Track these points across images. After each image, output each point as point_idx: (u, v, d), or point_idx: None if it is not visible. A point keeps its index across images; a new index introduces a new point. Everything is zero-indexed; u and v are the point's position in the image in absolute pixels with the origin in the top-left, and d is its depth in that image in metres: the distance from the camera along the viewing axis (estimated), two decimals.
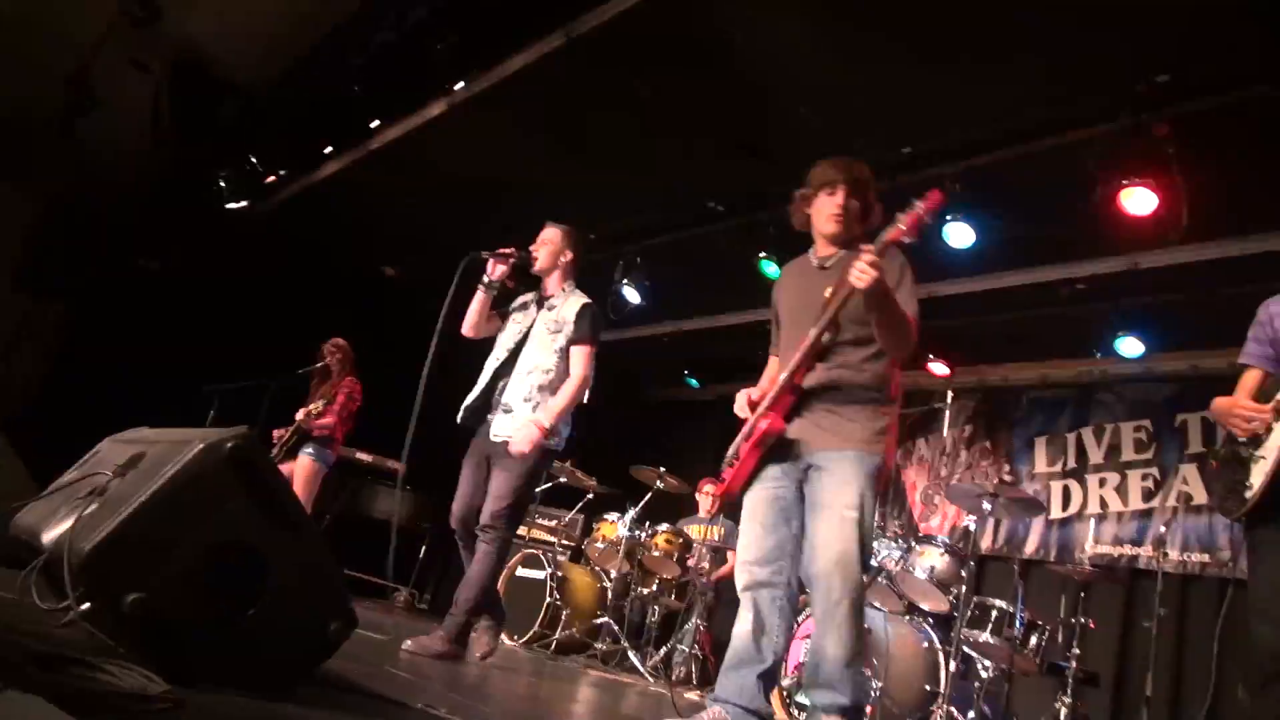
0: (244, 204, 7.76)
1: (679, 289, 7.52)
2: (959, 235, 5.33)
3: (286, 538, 1.83)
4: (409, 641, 3.83)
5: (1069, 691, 4.54)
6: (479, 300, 4.24)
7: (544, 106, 5.86)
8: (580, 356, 4.13)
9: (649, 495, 6.97)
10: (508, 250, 4.21)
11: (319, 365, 6.45)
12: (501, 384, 4.19)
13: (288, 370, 6.45)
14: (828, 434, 2.91)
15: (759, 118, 5.49)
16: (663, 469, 6.95)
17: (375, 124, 6.51)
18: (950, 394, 5.77)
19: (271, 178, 7.59)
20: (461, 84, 5.79)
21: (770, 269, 6.32)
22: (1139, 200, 4.60)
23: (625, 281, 7.29)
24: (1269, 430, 2.53)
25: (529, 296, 4.42)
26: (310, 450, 6.10)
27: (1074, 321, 6.31)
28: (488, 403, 4.19)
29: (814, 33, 4.75)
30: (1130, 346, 6.15)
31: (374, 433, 8.11)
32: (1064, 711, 4.51)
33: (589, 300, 4.30)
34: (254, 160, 7.41)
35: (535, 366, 4.13)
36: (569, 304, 4.25)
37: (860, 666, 2.80)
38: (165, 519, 1.71)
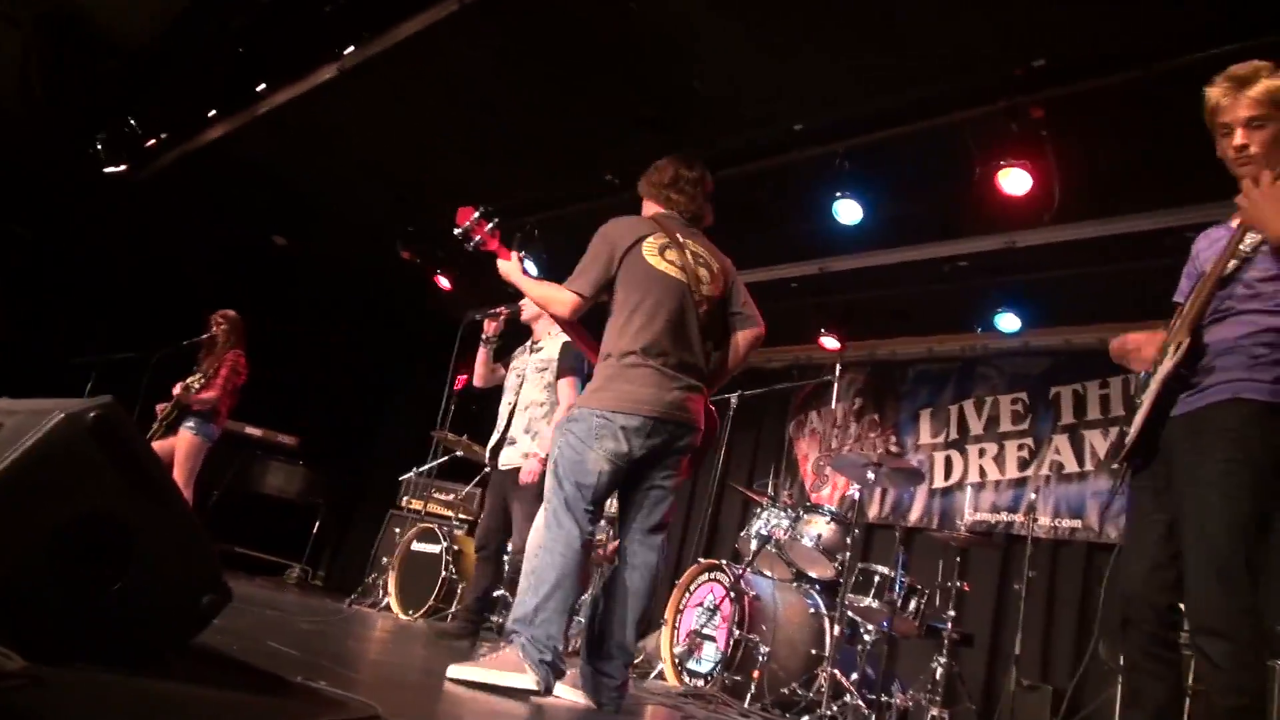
0: (123, 168, 7.43)
1: (576, 262, 7.51)
2: (847, 212, 5.46)
3: (154, 510, 1.78)
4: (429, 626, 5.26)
5: (945, 652, 4.74)
6: (481, 355, 5.08)
7: (437, 74, 5.77)
8: (565, 387, 4.74)
9: None
10: (498, 310, 5.03)
11: (205, 337, 6.25)
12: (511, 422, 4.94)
13: (172, 342, 6.24)
14: None
15: (655, 90, 5.50)
16: None
17: (262, 87, 6.29)
18: (839, 367, 5.92)
19: (152, 141, 7.28)
20: (352, 48, 5.64)
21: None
22: (1015, 180, 4.79)
23: (523, 254, 7.22)
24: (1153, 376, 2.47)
25: (523, 346, 5.20)
26: (191, 424, 5.92)
27: (957, 297, 6.54)
28: (504, 439, 4.93)
29: (709, 7, 4.79)
30: (1008, 322, 6.42)
31: (265, 406, 7.94)
32: (940, 671, 4.71)
33: (569, 340, 4.81)
34: (133, 123, 7.08)
35: (532, 402, 4.87)
36: (553, 344, 4.92)
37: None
38: (23, 492, 1.65)
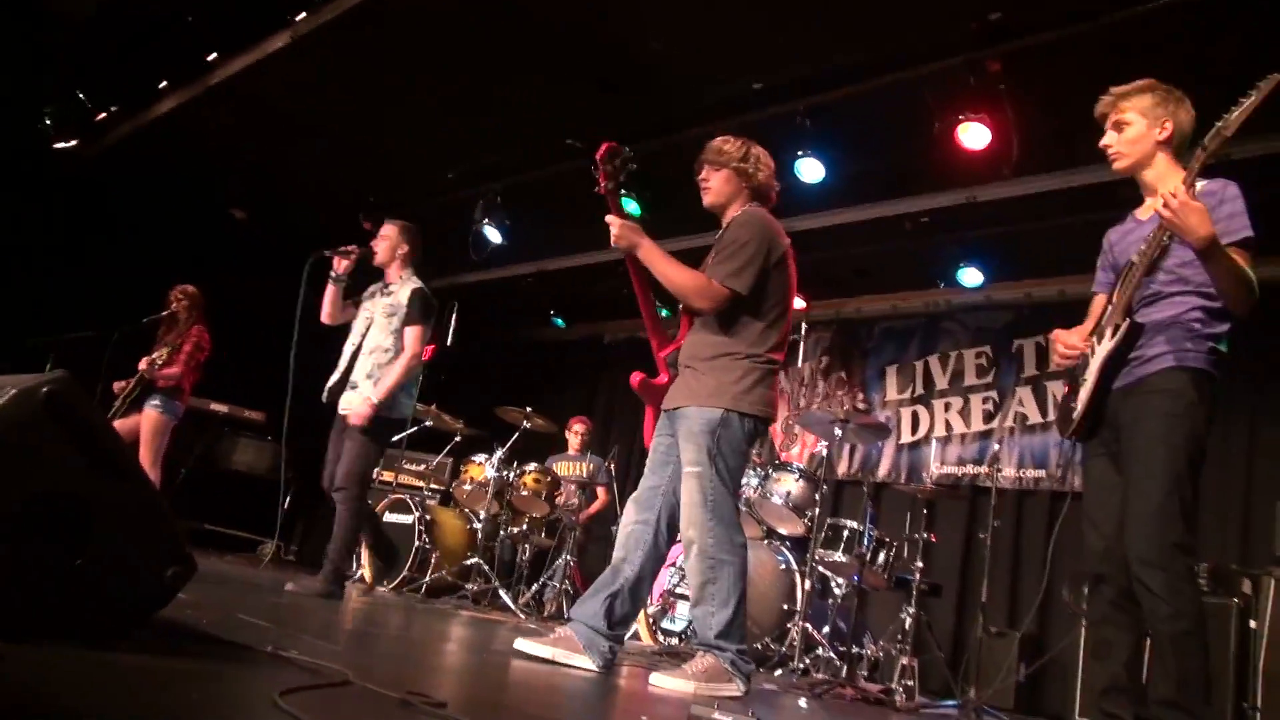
0: (73, 143, 7.27)
1: (542, 228, 7.47)
2: (810, 170, 5.46)
3: (113, 484, 1.77)
4: (290, 584, 4.55)
5: (913, 602, 4.83)
6: (329, 292, 4.85)
7: (393, 39, 5.67)
8: (411, 337, 4.72)
9: (516, 435, 7.00)
10: (348, 248, 4.83)
11: (166, 313, 6.17)
12: (354, 364, 4.78)
13: (132, 320, 6.15)
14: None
15: (614, 53, 5.45)
16: (529, 409, 6.97)
17: (213, 57, 6.17)
18: (804, 326, 5.95)
19: (102, 115, 7.13)
20: (304, 15, 5.54)
21: (631, 206, 6.34)
22: (974, 135, 4.81)
23: (486, 221, 7.20)
24: (1093, 352, 2.71)
25: (376, 286, 4.98)
26: (156, 402, 5.86)
27: (920, 253, 6.59)
28: (345, 381, 4.76)
29: None
30: (971, 277, 6.48)
31: (230, 381, 7.86)
32: (909, 621, 4.80)
33: (421, 285, 4.86)
34: (81, 96, 6.93)
35: (376, 346, 4.73)
36: (403, 290, 4.82)
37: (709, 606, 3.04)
38: None
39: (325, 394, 4.80)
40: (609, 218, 3.23)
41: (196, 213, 8.33)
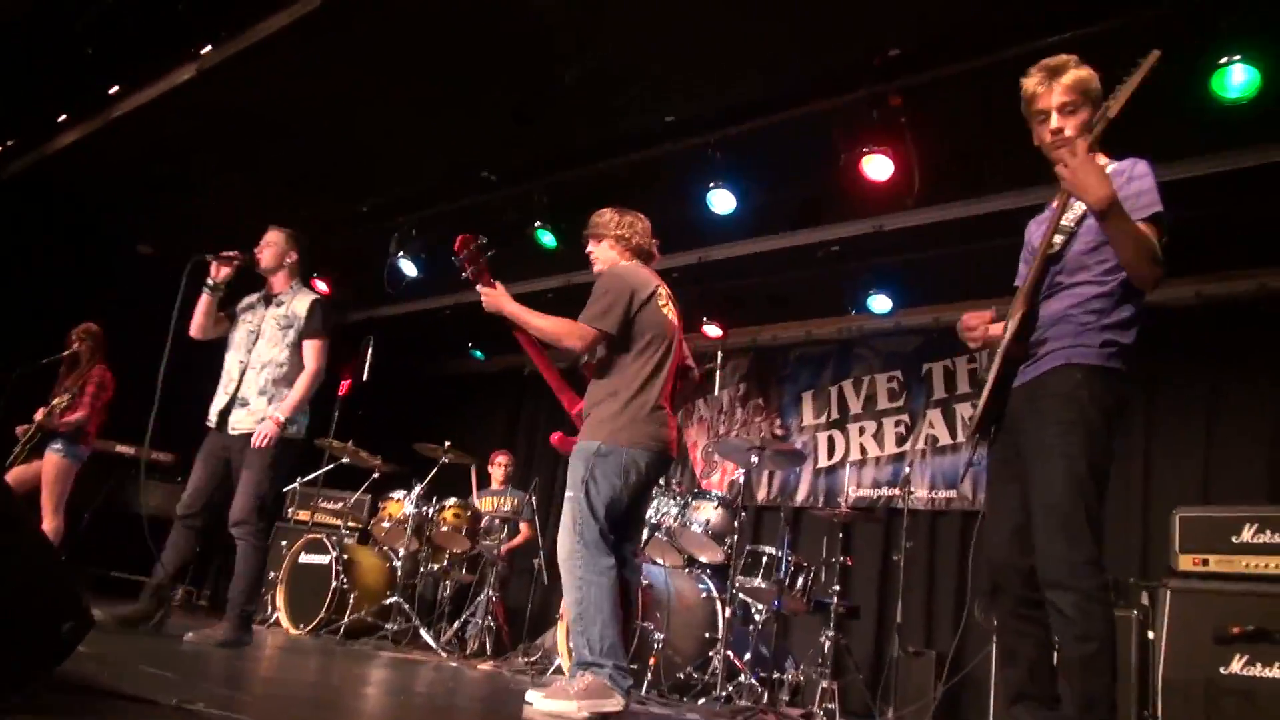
0: None
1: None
2: (721, 201, 5.55)
3: (3, 538, 1.71)
4: (190, 634, 4.10)
5: (832, 625, 4.90)
6: (204, 302, 4.43)
7: (302, 72, 5.60)
8: (313, 350, 4.40)
9: (435, 470, 6.93)
10: (231, 253, 4.42)
11: (66, 353, 5.96)
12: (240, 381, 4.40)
13: (30, 361, 5.92)
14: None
15: (527, 86, 5.49)
16: (447, 443, 6.91)
17: (115, 90, 6.02)
18: (720, 354, 6.04)
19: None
20: (210, 47, 5.45)
21: (546, 239, 6.37)
22: (878, 166, 4.95)
23: (401, 254, 7.15)
24: (992, 356, 2.64)
25: (254, 297, 4.61)
26: (59, 446, 5.65)
27: (831, 281, 6.72)
28: (234, 400, 4.37)
29: (575, 3, 4.79)
30: (880, 303, 6.64)
31: (137, 423, 7.61)
32: (828, 644, 4.87)
33: (318, 296, 4.56)
34: None
35: (269, 361, 4.38)
36: (298, 300, 4.48)
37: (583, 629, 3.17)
38: None
39: (215, 417, 4.38)
40: (479, 287, 3.53)
41: (101, 249, 8.09)
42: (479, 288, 3.52)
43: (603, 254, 3.66)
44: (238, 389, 4.36)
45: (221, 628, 4.13)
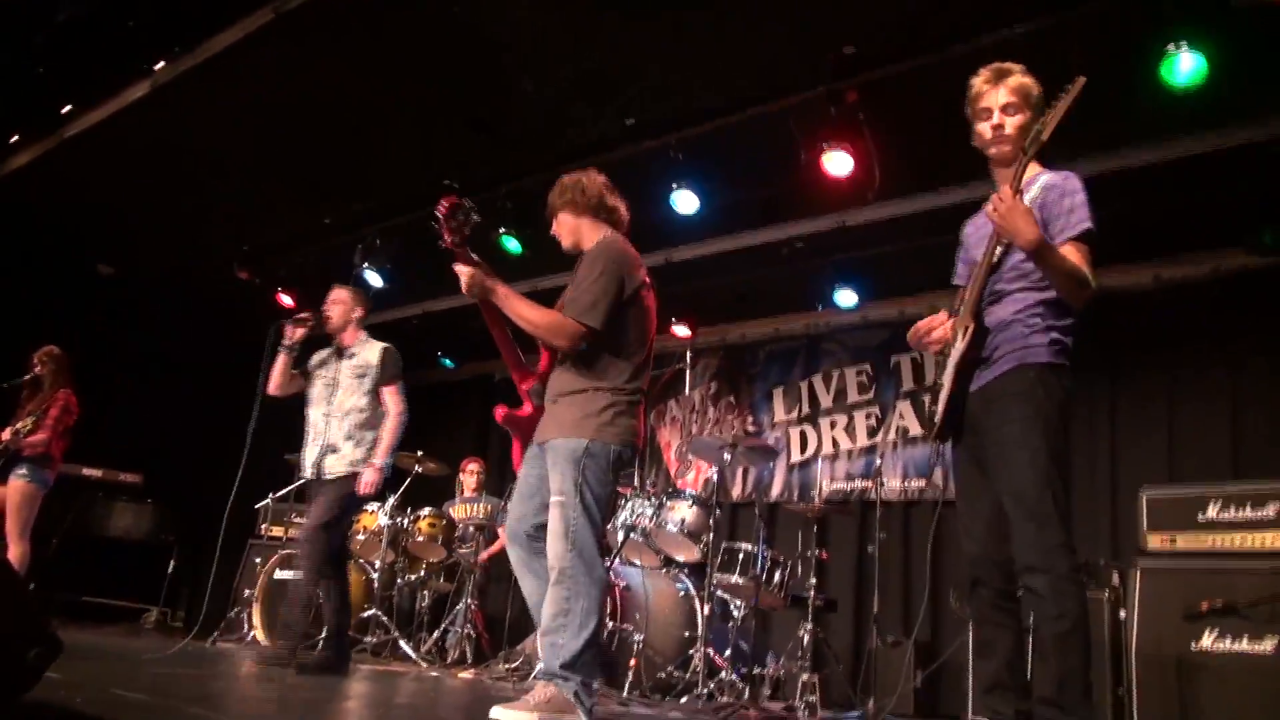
0: None
1: (424, 269, 7.40)
2: (685, 202, 5.57)
3: None
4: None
5: (810, 619, 4.93)
6: (280, 362, 4.79)
7: (259, 85, 5.57)
8: (391, 395, 4.84)
9: (408, 481, 6.89)
10: (305, 315, 4.83)
11: (28, 377, 5.89)
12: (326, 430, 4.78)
13: None
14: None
15: (487, 92, 5.48)
16: (420, 453, 6.88)
17: (68, 109, 5.95)
18: (689, 353, 6.05)
19: None
20: (163, 63, 5.40)
21: (511, 245, 6.36)
22: (838, 162, 4.99)
23: (366, 265, 7.11)
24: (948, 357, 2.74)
25: (325, 352, 5.00)
26: (24, 471, 5.57)
27: (797, 277, 6.75)
28: (325, 449, 4.75)
29: (531, 7, 4.79)
30: (846, 298, 6.69)
31: (101, 444, 7.52)
32: (807, 638, 4.89)
33: (387, 345, 4.95)
34: None
35: (351, 409, 4.78)
36: (369, 350, 4.91)
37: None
38: None
39: (309, 469, 4.77)
40: (458, 267, 3.19)
41: (60, 270, 7.99)
42: (457, 266, 3.18)
43: (563, 230, 3.42)
44: (326, 438, 4.74)
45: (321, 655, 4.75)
